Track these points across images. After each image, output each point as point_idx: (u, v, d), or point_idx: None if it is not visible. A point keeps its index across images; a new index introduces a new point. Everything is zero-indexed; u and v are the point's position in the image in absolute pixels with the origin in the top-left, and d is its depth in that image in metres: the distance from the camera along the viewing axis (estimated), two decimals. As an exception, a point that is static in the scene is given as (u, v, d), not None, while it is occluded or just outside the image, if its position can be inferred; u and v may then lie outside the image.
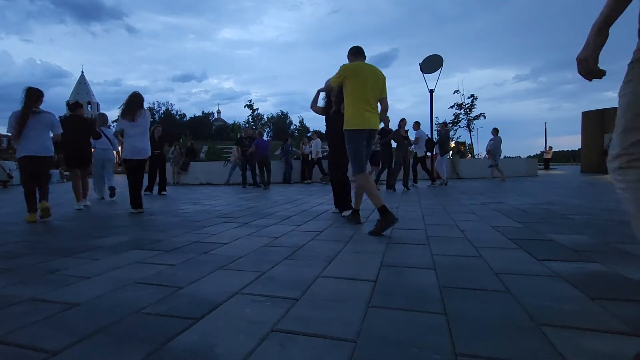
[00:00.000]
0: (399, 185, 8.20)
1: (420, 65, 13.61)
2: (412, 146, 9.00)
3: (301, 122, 62.89)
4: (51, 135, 4.35)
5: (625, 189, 1.06)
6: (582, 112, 18.53)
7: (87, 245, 2.72)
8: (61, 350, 1.13)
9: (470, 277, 1.78)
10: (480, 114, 26.47)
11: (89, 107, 72.35)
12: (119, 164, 5.69)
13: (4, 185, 12.28)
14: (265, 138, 11.13)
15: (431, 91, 13.52)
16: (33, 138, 4.10)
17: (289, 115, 74.49)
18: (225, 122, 74.39)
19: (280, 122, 70.10)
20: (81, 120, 5.66)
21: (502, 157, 13.28)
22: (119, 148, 5.85)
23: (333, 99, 4.03)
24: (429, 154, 10.12)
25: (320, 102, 4.32)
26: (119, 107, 4.90)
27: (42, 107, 4.29)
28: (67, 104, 64.28)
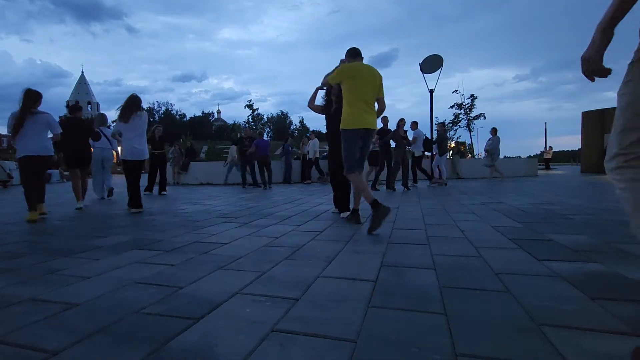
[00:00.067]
0: (398, 186, 8.20)
1: (420, 65, 13.61)
2: (411, 146, 8.99)
3: (301, 122, 62.83)
4: (50, 135, 4.40)
5: (623, 189, 1.06)
6: (582, 112, 18.53)
7: (87, 245, 2.72)
8: (61, 350, 1.13)
9: (470, 277, 1.78)
10: (480, 114, 26.47)
11: (89, 107, 72.45)
12: (118, 164, 5.73)
13: (4, 185, 12.27)
14: (265, 138, 11.12)
15: (431, 91, 13.51)
16: (32, 138, 4.16)
17: (289, 115, 74.56)
18: (225, 122, 74.44)
19: (280, 122, 70.10)
20: (80, 122, 5.77)
21: (502, 157, 13.28)
22: (118, 148, 5.90)
23: (333, 98, 4.03)
24: (427, 153, 10.12)
25: (320, 101, 4.32)
26: (117, 109, 4.98)
27: (42, 106, 4.34)
28: (67, 104, 64.33)
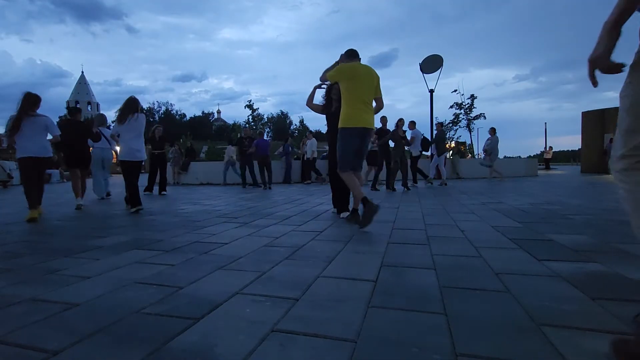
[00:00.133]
0: (398, 186, 8.20)
1: (420, 65, 13.60)
2: (410, 146, 8.99)
3: (301, 122, 62.81)
4: (50, 137, 4.50)
5: (629, 191, 1.06)
6: (582, 112, 18.54)
7: (87, 245, 2.72)
8: (61, 350, 1.13)
9: (470, 277, 1.78)
10: (480, 114, 26.44)
11: (89, 107, 72.46)
12: (117, 164, 5.82)
13: (4, 185, 12.28)
14: (265, 138, 11.12)
15: (431, 91, 13.50)
16: (31, 140, 4.26)
17: (289, 115, 74.61)
18: (225, 122, 74.44)
19: (280, 122, 70.11)
20: (79, 124, 5.87)
21: (502, 157, 13.27)
22: (117, 148, 5.99)
23: (334, 97, 4.03)
24: (425, 153, 10.12)
25: (320, 100, 4.32)
26: (117, 111, 5.09)
27: (43, 106, 4.45)
28: (67, 104, 64.43)
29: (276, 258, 2.21)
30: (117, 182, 7.80)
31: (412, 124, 9.35)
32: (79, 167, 5.69)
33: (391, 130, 7.93)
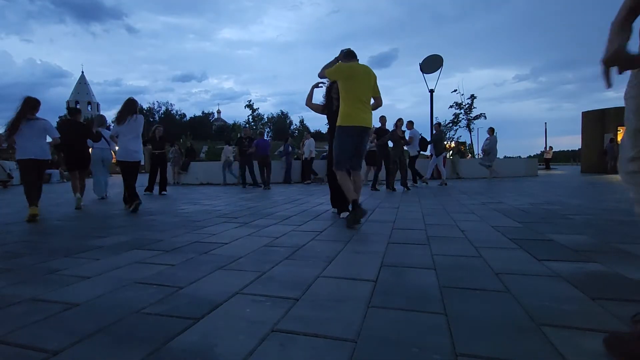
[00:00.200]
0: (397, 185, 8.20)
1: (420, 65, 13.60)
2: (409, 145, 8.99)
3: (301, 122, 62.86)
4: (49, 140, 4.63)
5: (638, 192, 1.05)
6: (582, 112, 18.55)
7: (87, 245, 2.72)
8: (61, 350, 1.13)
9: (470, 277, 1.78)
10: (481, 114, 26.41)
11: (89, 107, 72.47)
12: (116, 164, 5.89)
13: (4, 185, 12.27)
14: (266, 138, 11.12)
15: (431, 91, 13.50)
16: (31, 141, 4.35)
17: (289, 115, 74.62)
18: (225, 122, 74.42)
19: (280, 122, 70.11)
20: (79, 125, 5.92)
21: (502, 157, 13.27)
22: (116, 148, 6.07)
23: (334, 96, 4.03)
24: (423, 153, 10.12)
25: (320, 100, 4.32)
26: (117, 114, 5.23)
27: (43, 106, 4.54)
28: (67, 104, 64.43)
29: (276, 258, 2.21)
30: (116, 182, 7.81)
31: (410, 124, 9.35)
32: (78, 167, 5.73)
33: (390, 130, 7.93)
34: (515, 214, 3.87)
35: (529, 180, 10.83)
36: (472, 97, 26.50)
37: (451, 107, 26.65)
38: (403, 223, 3.44)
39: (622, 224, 3.19)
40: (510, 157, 23.77)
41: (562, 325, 1.23)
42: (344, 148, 3.44)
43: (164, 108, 74.37)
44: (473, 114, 26.49)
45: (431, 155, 10.11)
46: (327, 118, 4.31)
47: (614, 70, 1.01)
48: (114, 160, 7.36)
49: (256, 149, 9.73)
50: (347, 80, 3.42)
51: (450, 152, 14.81)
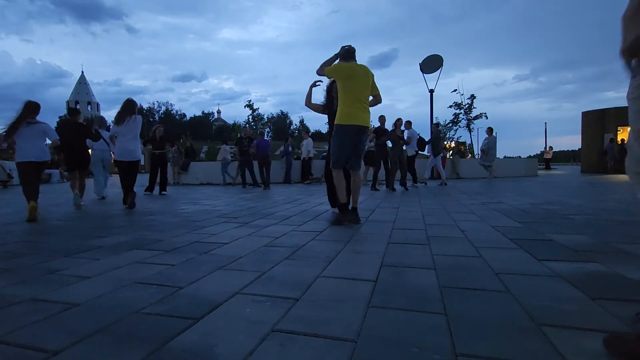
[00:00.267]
0: (397, 185, 8.20)
1: (420, 65, 13.60)
2: (408, 145, 8.98)
3: (301, 122, 62.84)
4: (49, 142, 4.75)
5: None
6: (582, 112, 18.55)
7: (87, 245, 2.72)
8: (61, 350, 1.13)
9: (470, 277, 1.78)
10: (481, 113, 26.37)
11: (89, 107, 72.49)
12: (115, 165, 5.95)
13: (4, 185, 12.28)
14: (266, 138, 11.13)
15: (431, 91, 13.50)
16: (30, 142, 4.47)
17: (289, 115, 74.57)
18: (225, 122, 74.39)
19: (280, 122, 70.06)
20: (78, 125, 5.97)
21: (502, 157, 13.27)
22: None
23: (335, 96, 4.04)
24: (421, 153, 10.11)
25: (320, 99, 4.32)
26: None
27: (43, 106, 4.65)
28: (67, 104, 64.40)
29: (276, 258, 2.21)
30: (116, 183, 7.80)
31: (408, 124, 9.35)
32: (78, 167, 5.77)
33: (389, 130, 7.93)
34: (515, 214, 3.87)
35: (529, 180, 10.83)
36: (472, 97, 26.48)
37: (450, 107, 26.63)
38: (403, 223, 3.44)
39: (622, 224, 3.19)
40: (510, 157, 23.77)
41: (562, 325, 1.23)
42: (342, 147, 3.47)
43: (164, 108, 74.49)
44: (473, 114, 26.46)
45: (430, 155, 10.12)
46: (328, 118, 4.31)
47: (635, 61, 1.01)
48: (113, 161, 7.42)
49: (256, 149, 9.73)
50: (346, 79, 3.44)
51: (450, 152, 14.81)
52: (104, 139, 6.65)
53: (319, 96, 4.45)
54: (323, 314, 1.36)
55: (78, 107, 30.22)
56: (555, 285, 1.64)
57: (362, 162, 4.00)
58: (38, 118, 4.57)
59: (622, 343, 1.01)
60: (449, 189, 7.86)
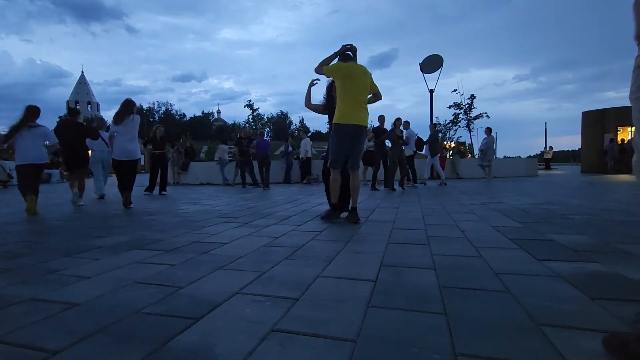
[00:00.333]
0: (396, 185, 8.20)
1: (420, 65, 13.61)
2: (407, 145, 8.98)
3: (301, 122, 62.84)
4: (48, 144, 4.97)
5: None
6: (582, 112, 18.55)
7: (87, 245, 2.72)
8: (61, 350, 1.13)
9: (470, 277, 1.78)
10: (481, 113, 26.34)
11: (88, 107, 72.45)
12: (114, 167, 6.01)
13: (4, 185, 12.28)
14: (266, 138, 11.13)
15: (431, 91, 13.51)
16: (30, 147, 4.66)
17: (289, 115, 74.66)
18: (225, 122, 74.38)
19: (280, 122, 70.11)
20: (77, 125, 6.02)
21: (502, 157, 13.26)
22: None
23: (335, 95, 4.04)
24: (420, 153, 10.12)
25: (320, 100, 4.32)
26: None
27: (43, 106, 4.83)
28: (67, 104, 64.39)
29: (276, 258, 2.21)
30: (115, 183, 7.82)
31: (407, 124, 9.36)
32: (77, 167, 5.80)
33: (389, 130, 7.93)
34: (515, 214, 3.87)
35: (529, 180, 10.84)
36: (472, 97, 26.46)
37: (450, 107, 26.60)
38: (403, 223, 3.44)
39: (622, 224, 3.19)
40: (510, 157, 23.76)
41: (562, 325, 1.23)
42: (340, 146, 3.49)
43: (163, 108, 74.59)
44: (473, 114, 26.42)
45: (427, 155, 10.14)
46: (329, 118, 4.30)
47: None
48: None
49: (256, 149, 9.74)
50: (345, 79, 3.46)
51: (450, 152, 14.81)
52: (104, 140, 6.68)
53: (318, 96, 4.45)
54: (323, 314, 1.36)
55: (78, 107, 30.30)
56: (555, 285, 1.64)
57: (361, 162, 4.01)
58: (38, 120, 4.73)
59: (622, 343, 1.01)
60: (448, 189, 7.86)
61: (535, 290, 1.58)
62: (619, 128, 16.52)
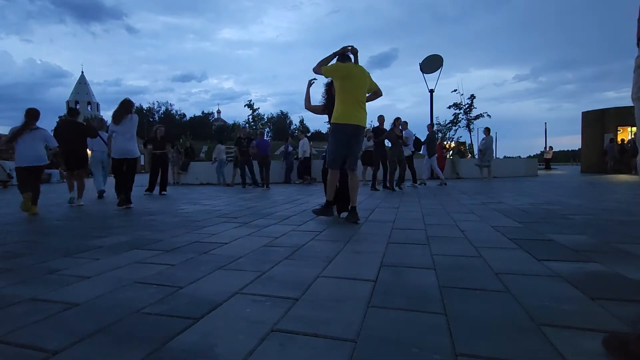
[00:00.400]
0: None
1: (420, 65, 13.61)
2: (406, 145, 8.97)
3: (301, 122, 62.96)
4: (47, 145, 5.03)
5: None
6: (582, 112, 18.54)
7: (87, 245, 2.72)
8: (61, 350, 1.13)
9: (470, 277, 1.78)
10: (482, 113, 26.32)
11: (88, 107, 72.45)
12: (113, 169, 6.05)
13: (4, 185, 12.28)
14: (265, 138, 11.13)
15: (431, 91, 13.51)
16: (30, 149, 4.77)
17: (289, 115, 74.71)
18: (225, 122, 74.37)
19: (280, 122, 70.14)
20: (77, 125, 6.06)
21: (502, 157, 13.27)
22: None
23: (335, 95, 4.05)
24: (419, 153, 10.14)
25: (320, 100, 4.32)
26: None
27: (43, 107, 5.03)
28: (67, 104, 64.39)
29: (276, 258, 2.21)
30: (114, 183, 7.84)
31: (405, 124, 9.36)
32: (77, 167, 5.82)
33: (388, 130, 7.93)
34: (515, 214, 3.87)
35: (529, 180, 10.84)
36: (472, 97, 26.44)
37: (450, 107, 26.58)
38: (403, 223, 3.44)
39: (622, 224, 3.19)
40: (510, 157, 23.75)
41: (562, 325, 1.23)
42: (339, 146, 3.50)
43: (163, 108, 74.59)
44: (473, 114, 26.40)
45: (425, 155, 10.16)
46: (328, 117, 4.30)
47: None
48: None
49: (256, 149, 9.73)
50: (344, 79, 3.47)
51: (450, 152, 14.81)
52: (103, 140, 6.69)
53: (318, 96, 4.45)
54: (323, 314, 1.36)
55: (78, 107, 30.42)
56: (555, 285, 1.64)
57: (360, 162, 4.04)
58: (38, 121, 4.82)
59: (622, 343, 1.01)
60: (448, 189, 7.86)
61: (535, 290, 1.58)
62: (619, 128, 16.51)
